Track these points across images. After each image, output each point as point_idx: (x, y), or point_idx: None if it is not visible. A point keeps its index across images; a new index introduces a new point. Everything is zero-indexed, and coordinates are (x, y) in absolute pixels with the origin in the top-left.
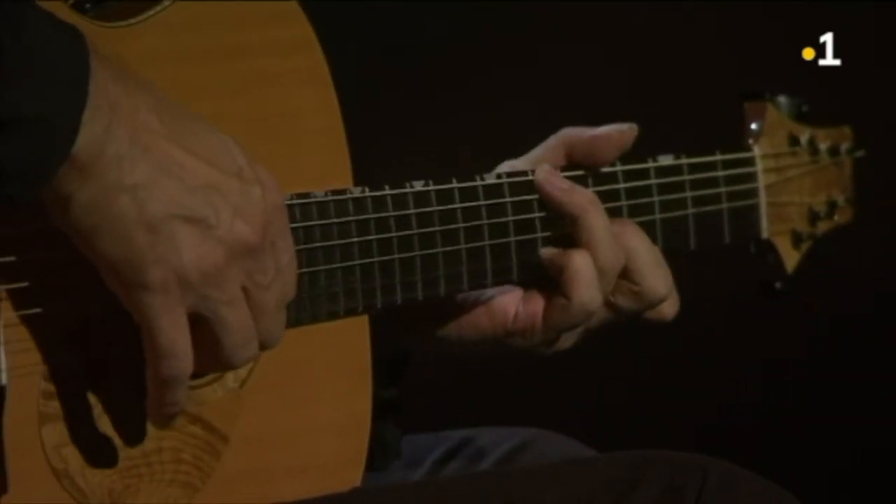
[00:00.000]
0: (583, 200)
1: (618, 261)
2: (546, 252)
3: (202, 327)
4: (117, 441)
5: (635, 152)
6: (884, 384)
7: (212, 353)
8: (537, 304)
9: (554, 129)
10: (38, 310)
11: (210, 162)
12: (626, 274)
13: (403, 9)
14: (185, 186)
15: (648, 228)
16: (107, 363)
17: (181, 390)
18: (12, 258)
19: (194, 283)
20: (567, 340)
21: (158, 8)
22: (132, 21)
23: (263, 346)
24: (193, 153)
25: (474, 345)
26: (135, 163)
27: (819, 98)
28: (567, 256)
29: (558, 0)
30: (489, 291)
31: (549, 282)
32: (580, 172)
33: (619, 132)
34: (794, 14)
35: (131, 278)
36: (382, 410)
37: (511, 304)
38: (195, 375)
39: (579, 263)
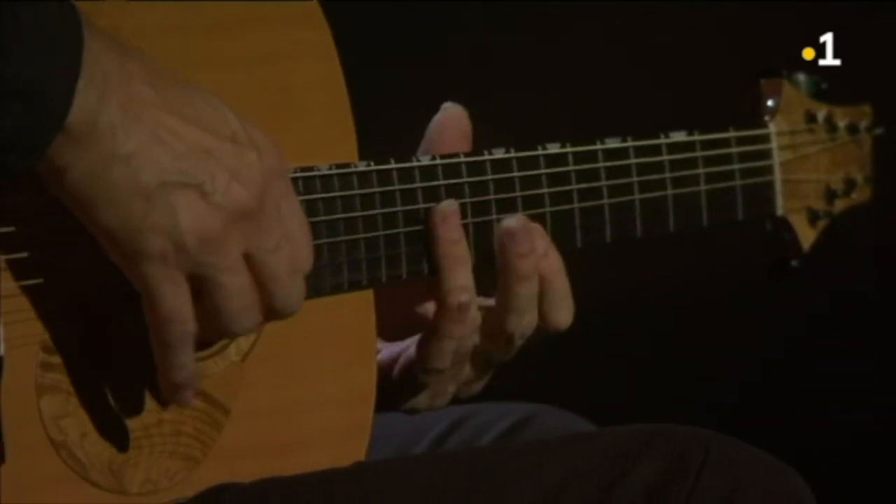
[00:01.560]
0: (528, 269)
1: (529, 330)
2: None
3: (204, 293)
4: (117, 413)
5: (648, 129)
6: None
7: (214, 320)
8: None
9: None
10: (37, 280)
11: (204, 127)
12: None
13: None
14: (179, 153)
15: (660, 205)
16: (106, 335)
17: (188, 353)
18: (11, 229)
19: (191, 249)
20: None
21: None
22: None
23: (282, 314)
24: (187, 120)
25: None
26: (128, 132)
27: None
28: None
29: None
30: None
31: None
32: (593, 147)
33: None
34: (794, 14)
35: (130, 247)
36: None
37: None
38: (201, 345)
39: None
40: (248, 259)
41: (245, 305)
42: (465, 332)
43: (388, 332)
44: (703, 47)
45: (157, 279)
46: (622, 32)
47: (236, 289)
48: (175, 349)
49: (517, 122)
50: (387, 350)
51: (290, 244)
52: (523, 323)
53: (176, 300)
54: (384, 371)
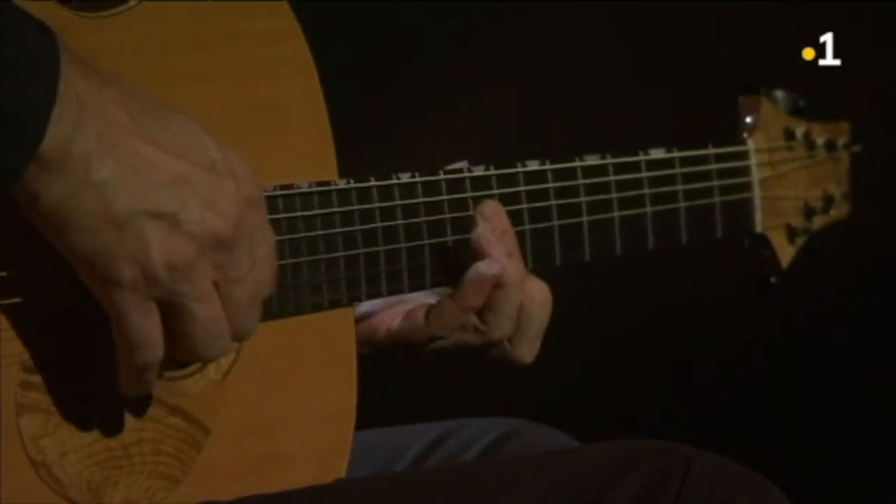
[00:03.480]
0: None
1: (507, 331)
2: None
3: (175, 319)
4: (97, 432)
5: (628, 146)
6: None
7: (183, 346)
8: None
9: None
10: (16, 300)
11: (180, 156)
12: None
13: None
14: (153, 182)
15: (639, 222)
16: (85, 354)
17: (152, 374)
18: None
19: (162, 278)
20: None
21: None
22: (114, 11)
23: (235, 340)
24: (163, 148)
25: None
26: (102, 160)
27: (819, 98)
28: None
29: None
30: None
31: None
32: (572, 164)
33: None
34: (794, 14)
35: (101, 274)
36: None
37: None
38: (177, 365)
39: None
40: (215, 287)
41: (215, 334)
42: (479, 305)
43: None
44: (703, 47)
45: (127, 306)
46: (619, 39)
47: (207, 317)
48: (141, 373)
49: (497, 136)
50: (370, 305)
51: (256, 275)
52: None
53: (145, 327)
54: (373, 328)
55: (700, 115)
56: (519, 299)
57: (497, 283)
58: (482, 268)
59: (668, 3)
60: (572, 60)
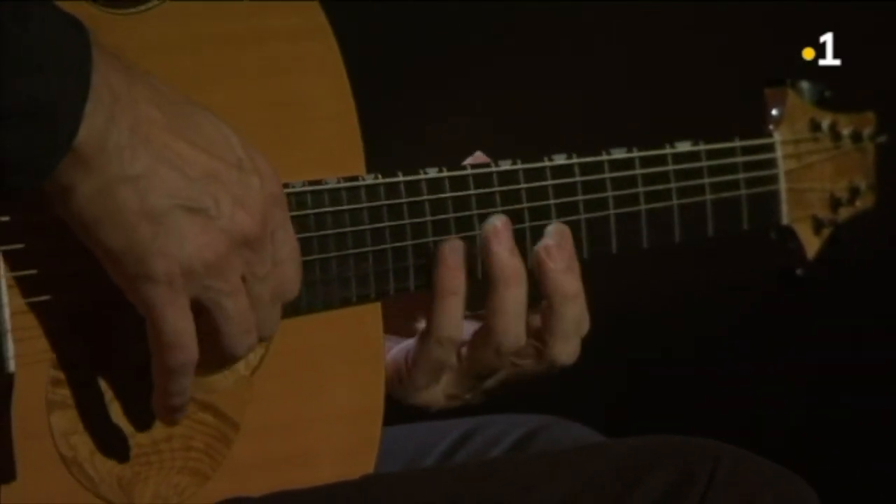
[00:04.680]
0: (515, 271)
1: (516, 342)
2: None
3: (203, 317)
4: (127, 428)
5: (653, 140)
6: None
7: (213, 344)
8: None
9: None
10: (45, 297)
11: (210, 152)
12: (538, 333)
13: None
14: (186, 177)
15: (666, 215)
16: (115, 351)
17: (187, 379)
18: (20, 246)
19: (198, 273)
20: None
21: None
22: (142, 8)
23: (259, 338)
24: (193, 144)
25: None
26: (136, 154)
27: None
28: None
29: None
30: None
31: None
32: (599, 158)
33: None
34: (794, 14)
35: (135, 270)
36: None
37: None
38: (208, 368)
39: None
40: (243, 283)
41: (244, 329)
42: (461, 285)
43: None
44: (703, 47)
45: (162, 302)
46: (624, 38)
47: (237, 312)
48: (175, 374)
49: (522, 131)
50: (398, 346)
51: (279, 273)
52: (510, 331)
53: (179, 323)
54: (398, 367)
55: (699, 117)
56: (576, 315)
57: (550, 303)
58: (442, 244)
59: (670, 3)
60: (596, 57)
